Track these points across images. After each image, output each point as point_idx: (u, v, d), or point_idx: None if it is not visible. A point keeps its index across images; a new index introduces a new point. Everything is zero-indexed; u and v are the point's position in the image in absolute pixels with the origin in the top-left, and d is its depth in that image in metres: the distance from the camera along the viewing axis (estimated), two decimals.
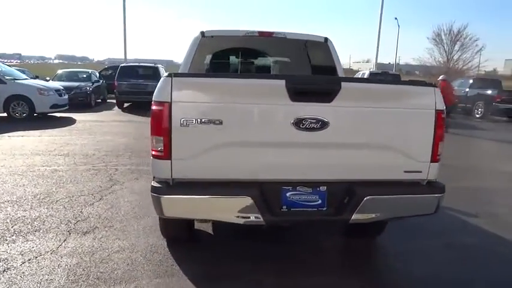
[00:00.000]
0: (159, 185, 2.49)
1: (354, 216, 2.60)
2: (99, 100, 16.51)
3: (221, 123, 2.43)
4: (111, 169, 6.13)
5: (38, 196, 4.73)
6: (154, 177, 2.58)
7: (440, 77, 13.43)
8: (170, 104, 2.40)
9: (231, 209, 2.51)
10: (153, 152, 2.54)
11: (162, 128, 2.44)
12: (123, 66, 15.80)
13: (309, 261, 3.33)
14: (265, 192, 2.54)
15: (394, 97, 2.64)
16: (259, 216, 2.50)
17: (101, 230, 3.79)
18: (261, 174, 2.56)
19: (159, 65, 16.37)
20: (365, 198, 2.57)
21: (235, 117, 2.47)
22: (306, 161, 2.59)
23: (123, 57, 25.90)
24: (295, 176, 2.61)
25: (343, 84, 2.47)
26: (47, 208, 4.34)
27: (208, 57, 4.67)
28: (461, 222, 4.34)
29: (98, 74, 17.58)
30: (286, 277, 3.07)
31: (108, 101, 17.71)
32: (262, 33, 4.34)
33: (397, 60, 40.99)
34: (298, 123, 2.47)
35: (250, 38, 4.37)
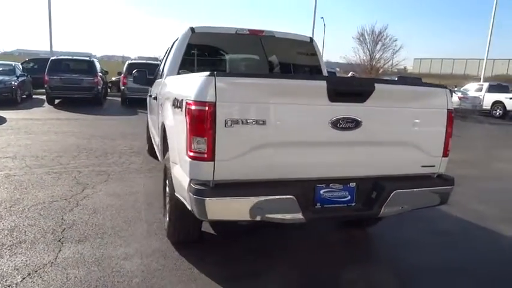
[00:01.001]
0: (203, 188, 2.41)
1: (383, 210, 2.76)
2: (25, 96, 15.06)
3: (264, 123, 2.43)
4: (73, 171, 5.70)
5: (4, 204, 4.26)
6: (191, 180, 2.48)
7: (350, 74, 14.53)
8: (214, 104, 2.33)
9: (275, 209, 2.52)
10: (192, 154, 2.45)
11: (205, 128, 2.36)
12: (54, 59, 14.54)
13: (321, 253, 3.48)
14: (304, 191, 2.59)
15: (415, 97, 2.85)
16: (300, 214, 2.55)
17: (95, 238, 3.54)
18: (299, 173, 2.61)
19: (94, 59, 15.38)
20: (393, 193, 2.74)
21: (277, 117, 2.48)
22: (339, 159, 2.70)
23: (34, 48, 23.81)
24: (329, 174, 2.70)
25: (376, 85, 2.61)
26: (20, 217, 3.93)
27: (197, 54, 4.56)
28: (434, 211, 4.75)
29: (21, 67, 16.02)
30: (305, 270, 3.16)
31: (33, 96, 16.26)
32: (252, 32, 4.35)
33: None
34: (335, 123, 2.56)
35: (240, 36, 4.36)
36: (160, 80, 4.66)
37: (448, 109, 2.90)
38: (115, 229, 3.75)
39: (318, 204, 2.70)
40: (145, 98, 13.87)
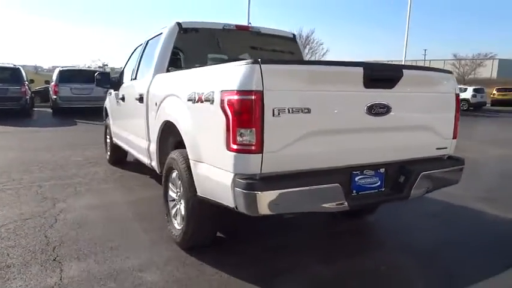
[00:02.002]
0: (253, 181, 2.27)
1: (412, 193, 2.84)
2: None
3: (309, 111, 2.37)
4: (33, 186, 5.10)
5: None
6: (235, 174, 2.33)
7: None
8: (262, 92, 2.22)
9: (323, 198, 2.47)
10: (236, 146, 2.30)
11: (253, 119, 2.24)
12: None
13: (334, 244, 3.48)
14: (345, 178, 2.58)
15: (433, 83, 3.00)
16: (345, 202, 2.53)
17: (95, 252, 3.18)
18: (339, 161, 2.59)
19: (20, 67, 13.95)
20: (420, 175, 2.83)
21: (320, 105, 2.44)
22: (372, 145, 2.72)
23: None
24: (364, 161, 2.71)
25: (404, 71, 2.69)
26: None
27: (184, 49, 4.33)
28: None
29: None
30: (325, 261, 3.13)
31: None
32: (239, 27, 4.26)
33: None
34: (370, 109, 2.59)
35: (227, 32, 4.25)
36: (140, 80, 4.36)
37: (456, 93, 3.09)
38: (113, 242, 3.40)
39: (354, 191, 2.70)
40: (83, 108, 13.10)
